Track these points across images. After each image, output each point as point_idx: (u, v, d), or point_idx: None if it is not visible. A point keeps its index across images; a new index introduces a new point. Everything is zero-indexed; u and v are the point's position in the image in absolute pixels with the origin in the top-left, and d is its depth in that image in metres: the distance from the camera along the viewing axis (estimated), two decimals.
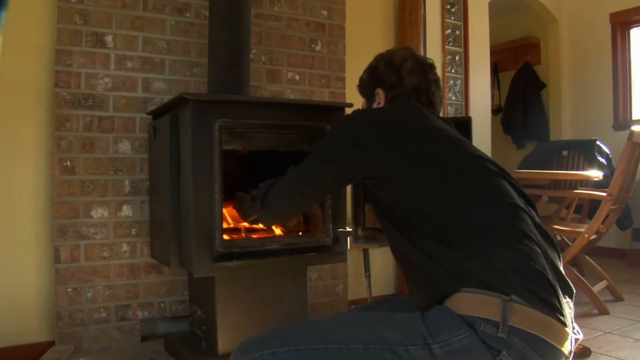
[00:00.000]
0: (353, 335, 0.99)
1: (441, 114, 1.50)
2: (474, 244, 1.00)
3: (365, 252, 2.62)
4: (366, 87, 1.45)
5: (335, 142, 1.27)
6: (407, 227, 1.10)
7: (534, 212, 1.11)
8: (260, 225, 2.12)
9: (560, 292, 0.98)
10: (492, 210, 1.06)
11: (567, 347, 0.94)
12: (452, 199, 1.07)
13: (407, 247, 1.09)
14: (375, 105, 1.41)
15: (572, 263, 2.98)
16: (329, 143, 1.30)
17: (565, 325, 0.93)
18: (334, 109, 2.14)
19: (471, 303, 0.93)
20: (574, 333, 0.97)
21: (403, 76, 1.36)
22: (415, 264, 1.08)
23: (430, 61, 1.43)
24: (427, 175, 1.11)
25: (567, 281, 1.03)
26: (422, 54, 3.12)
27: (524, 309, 0.91)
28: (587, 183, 3.46)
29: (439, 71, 1.45)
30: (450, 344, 0.92)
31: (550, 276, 0.98)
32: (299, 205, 1.46)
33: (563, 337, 0.93)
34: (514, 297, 0.91)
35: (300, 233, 2.13)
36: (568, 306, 0.99)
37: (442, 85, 1.46)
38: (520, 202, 1.09)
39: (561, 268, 1.06)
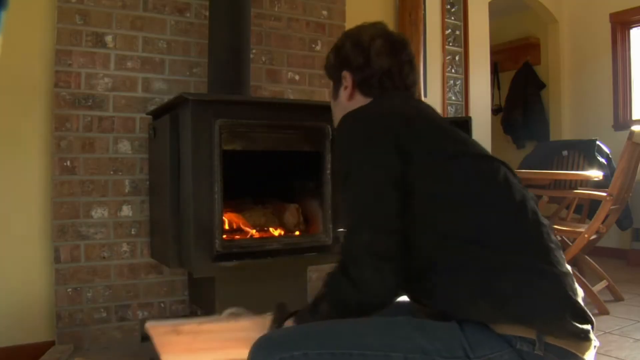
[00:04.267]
0: (389, 342, 0.94)
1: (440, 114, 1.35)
2: (507, 277, 0.93)
3: None
4: (333, 68, 1.29)
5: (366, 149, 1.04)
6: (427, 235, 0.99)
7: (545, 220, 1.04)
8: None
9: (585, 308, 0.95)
10: (523, 234, 0.98)
11: (590, 357, 0.96)
12: (479, 219, 0.98)
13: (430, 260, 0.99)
14: (342, 90, 1.24)
15: (572, 263, 2.97)
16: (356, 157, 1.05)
17: (591, 339, 0.94)
18: None
19: (507, 328, 0.92)
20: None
21: (371, 57, 1.20)
22: (438, 282, 0.98)
23: (404, 38, 1.27)
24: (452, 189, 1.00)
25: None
26: (422, 54, 3.13)
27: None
28: (587, 183, 3.46)
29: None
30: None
31: (578, 297, 0.95)
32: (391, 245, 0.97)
33: (589, 349, 0.95)
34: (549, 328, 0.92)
35: (299, 233, 2.13)
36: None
37: (417, 65, 1.29)
38: (540, 216, 1.02)
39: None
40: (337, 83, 1.27)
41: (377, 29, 1.25)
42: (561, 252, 1.00)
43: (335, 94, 1.28)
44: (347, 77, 1.23)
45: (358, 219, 1.01)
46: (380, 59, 1.20)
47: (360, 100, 1.21)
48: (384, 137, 1.03)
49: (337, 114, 1.26)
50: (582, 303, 0.95)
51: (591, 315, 0.95)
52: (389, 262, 0.96)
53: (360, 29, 1.26)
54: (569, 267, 0.99)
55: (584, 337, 0.93)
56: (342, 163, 1.09)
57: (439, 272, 0.97)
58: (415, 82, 1.26)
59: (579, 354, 0.93)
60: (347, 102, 1.23)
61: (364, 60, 1.20)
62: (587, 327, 0.93)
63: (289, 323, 1.10)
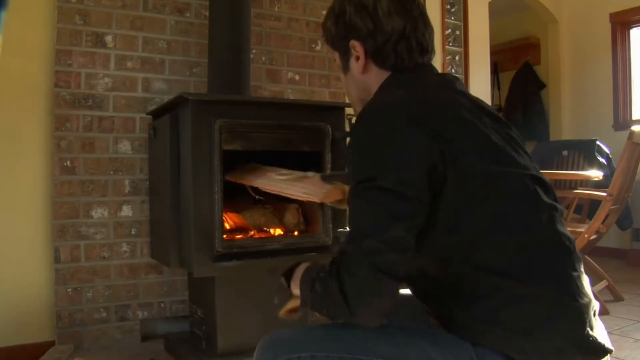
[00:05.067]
0: (400, 351, 0.91)
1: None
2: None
3: None
4: (336, 39, 1.13)
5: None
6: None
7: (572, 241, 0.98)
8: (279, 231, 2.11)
9: (599, 330, 0.93)
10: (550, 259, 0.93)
11: None
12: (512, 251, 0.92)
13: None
14: (354, 62, 1.10)
15: None
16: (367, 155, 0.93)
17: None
18: (334, 109, 2.13)
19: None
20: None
21: (381, 20, 1.05)
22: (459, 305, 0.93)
23: None
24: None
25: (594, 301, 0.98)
26: None
27: None
28: (587, 183, 3.46)
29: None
30: None
31: (595, 330, 0.92)
32: (392, 272, 0.87)
33: None
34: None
35: (299, 233, 2.13)
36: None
37: (429, 18, 1.15)
38: (566, 237, 0.96)
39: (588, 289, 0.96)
40: (345, 54, 1.12)
41: None
42: (583, 274, 0.95)
43: (345, 65, 1.13)
44: (357, 47, 1.08)
45: (369, 227, 0.88)
46: (391, 20, 1.06)
47: (375, 73, 1.09)
48: (416, 145, 0.89)
49: (351, 89, 1.16)
50: (599, 335, 0.92)
51: (608, 346, 0.92)
52: (389, 278, 0.86)
53: None
54: (590, 294, 0.94)
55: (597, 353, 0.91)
56: (362, 164, 0.93)
57: (456, 296, 0.93)
58: (432, 41, 1.14)
59: None
60: (360, 75, 1.10)
61: (374, 24, 1.06)
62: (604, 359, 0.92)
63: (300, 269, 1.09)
